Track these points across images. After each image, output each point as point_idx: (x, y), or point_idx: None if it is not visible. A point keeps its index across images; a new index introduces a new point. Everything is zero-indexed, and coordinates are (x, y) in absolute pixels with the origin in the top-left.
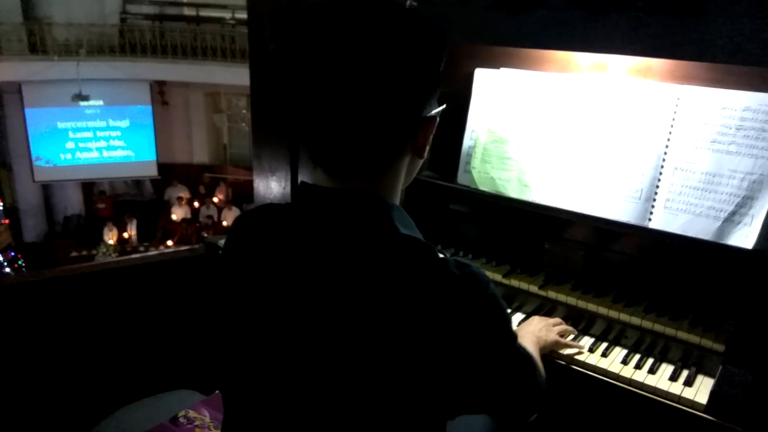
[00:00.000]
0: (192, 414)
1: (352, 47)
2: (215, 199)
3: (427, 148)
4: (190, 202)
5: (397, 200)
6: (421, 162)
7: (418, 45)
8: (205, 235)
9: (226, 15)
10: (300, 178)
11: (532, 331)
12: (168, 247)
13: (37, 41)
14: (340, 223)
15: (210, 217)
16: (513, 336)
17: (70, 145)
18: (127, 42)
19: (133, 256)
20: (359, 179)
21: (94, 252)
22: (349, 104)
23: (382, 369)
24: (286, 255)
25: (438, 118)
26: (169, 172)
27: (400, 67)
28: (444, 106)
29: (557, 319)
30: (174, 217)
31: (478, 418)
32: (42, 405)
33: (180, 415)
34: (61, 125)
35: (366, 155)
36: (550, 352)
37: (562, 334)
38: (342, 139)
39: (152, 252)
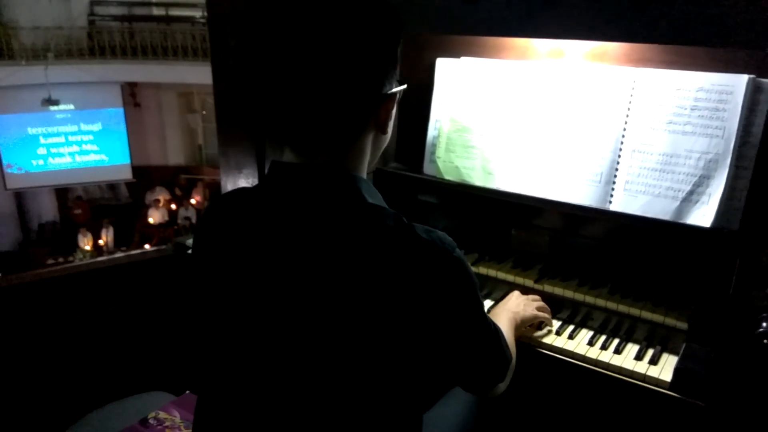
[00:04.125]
0: (162, 415)
1: (314, 30)
2: (193, 201)
3: (390, 124)
4: (167, 204)
5: (364, 175)
6: (385, 139)
7: (376, 26)
8: None
9: (196, 14)
10: None
11: (509, 308)
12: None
13: (3, 46)
14: (310, 195)
15: (188, 218)
16: (479, 300)
17: (41, 150)
18: (96, 44)
19: (100, 258)
20: (326, 155)
21: (70, 259)
22: (314, 82)
23: (360, 338)
24: (261, 232)
25: (398, 96)
26: (144, 174)
27: (360, 47)
28: (405, 86)
29: (535, 296)
30: (151, 220)
31: (453, 414)
32: (10, 410)
33: (150, 416)
34: (31, 131)
35: (331, 131)
36: (519, 336)
37: (540, 309)
38: (308, 116)
39: (119, 254)
